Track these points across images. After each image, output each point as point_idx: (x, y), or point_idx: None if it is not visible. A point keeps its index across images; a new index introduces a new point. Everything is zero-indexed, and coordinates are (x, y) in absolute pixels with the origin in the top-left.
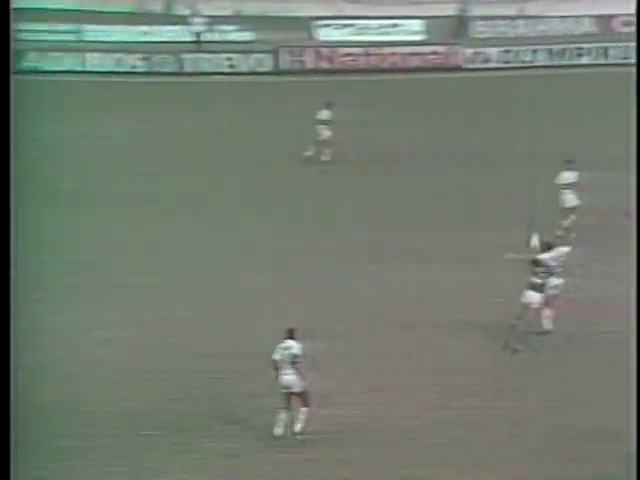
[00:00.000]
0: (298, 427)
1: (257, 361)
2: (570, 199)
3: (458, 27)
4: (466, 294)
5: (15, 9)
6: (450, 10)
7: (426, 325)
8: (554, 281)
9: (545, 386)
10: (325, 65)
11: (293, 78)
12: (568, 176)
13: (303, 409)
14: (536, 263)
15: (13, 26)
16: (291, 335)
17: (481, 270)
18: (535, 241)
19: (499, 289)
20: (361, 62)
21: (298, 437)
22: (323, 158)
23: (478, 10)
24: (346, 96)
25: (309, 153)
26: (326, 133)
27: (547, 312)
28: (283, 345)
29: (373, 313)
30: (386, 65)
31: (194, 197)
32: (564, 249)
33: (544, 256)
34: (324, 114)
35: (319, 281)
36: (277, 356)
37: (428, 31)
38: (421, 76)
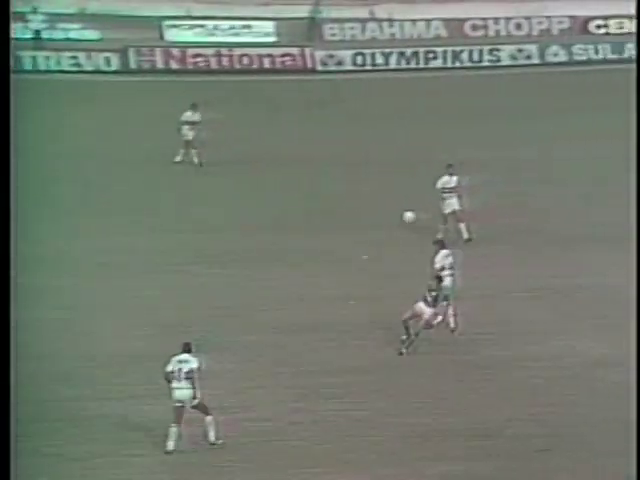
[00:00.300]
0: (212, 436)
1: (109, 364)
2: (451, 203)
3: (310, 29)
4: (323, 295)
5: None
6: (302, 12)
7: (283, 327)
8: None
9: (406, 387)
10: (175, 65)
11: (142, 78)
12: (447, 180)
13: (208, 418)
14: (436, 279)
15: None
16: (188, 349)
17: (338, 271)
18: (410, 216)
19: (356, 290)
20: (212, 63)
21: (217, 444)
22: (178, 159)
23: (330, 12)
24: (197, 97)
25: (179, 158)
26: (190, 134)
27: (450, 311)
28: (178, 358)
29: (229, 315)
30: (238, 66)
31: (42, 200)
32: (445, 252)
33: (437, 259)
34: (188, 116)
35: (173, 284)
36: (170, 368)
37: (280, 33)
38: (274, 78)
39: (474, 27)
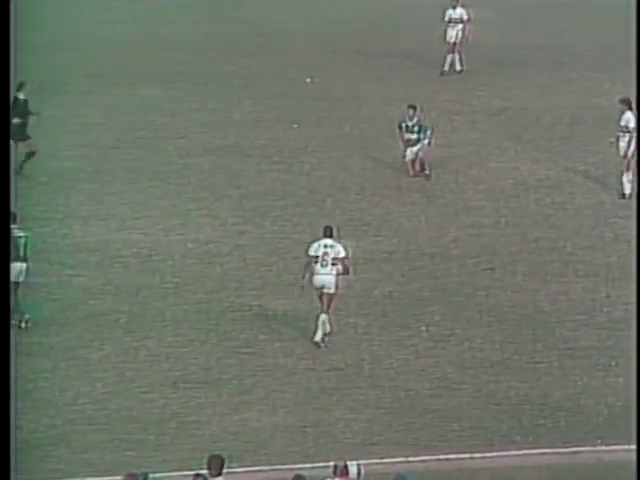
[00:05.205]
0: (318, 335)
1: None
2: (452, 35)
3: None
4: None
5: None
6: None
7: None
8: None
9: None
10: None
11: None
12: (451, 12)
13: (323, 315)
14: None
15: None
16: (330, 233)
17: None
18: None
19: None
20: None
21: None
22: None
23: None
24: None
25: None
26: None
27: None
28: (324, 242)
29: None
30: None
31: None
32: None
33: None
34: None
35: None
36: (314, 252)
37: None
38: None
39: None
